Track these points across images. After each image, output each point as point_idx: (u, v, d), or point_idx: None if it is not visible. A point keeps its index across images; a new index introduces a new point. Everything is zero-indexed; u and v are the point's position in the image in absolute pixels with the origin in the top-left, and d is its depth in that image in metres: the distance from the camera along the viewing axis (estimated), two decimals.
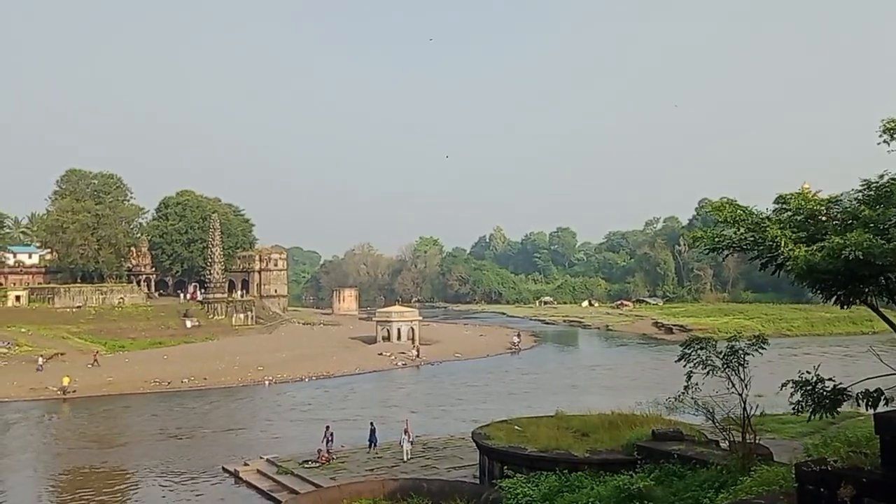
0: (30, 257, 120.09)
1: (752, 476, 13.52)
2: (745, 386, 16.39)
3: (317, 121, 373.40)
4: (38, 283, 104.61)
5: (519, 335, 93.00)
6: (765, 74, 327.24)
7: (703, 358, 16.86)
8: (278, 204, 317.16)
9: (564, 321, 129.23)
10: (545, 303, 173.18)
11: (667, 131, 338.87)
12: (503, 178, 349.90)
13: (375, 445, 33.14)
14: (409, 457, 30.11)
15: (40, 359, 64.68)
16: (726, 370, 16.57)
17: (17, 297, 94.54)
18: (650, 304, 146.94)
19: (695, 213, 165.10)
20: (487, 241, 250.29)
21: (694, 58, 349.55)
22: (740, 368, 16.48)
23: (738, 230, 13.25)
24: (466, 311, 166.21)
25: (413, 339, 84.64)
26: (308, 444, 35.18)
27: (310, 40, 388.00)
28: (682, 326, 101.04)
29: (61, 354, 70.40)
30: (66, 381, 54.21)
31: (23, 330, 79.22)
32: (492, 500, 18.77)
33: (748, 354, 16.69)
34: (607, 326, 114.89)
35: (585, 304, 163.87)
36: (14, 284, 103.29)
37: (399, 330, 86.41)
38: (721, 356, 16.79)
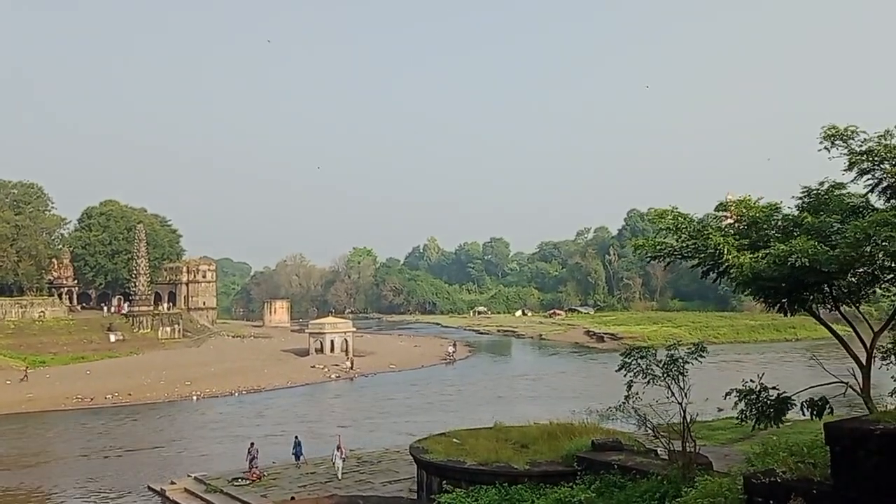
0: None
1: (695, 487, 13.37)
2: (685, 394, 16.37)
3: (246, 129, 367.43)
4: None
5: (454, 345, 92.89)
6: (695, 84, 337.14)
7: (644, 367, 16.79)
8: (207, 215, 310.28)
9: (498, 331, 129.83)
10: (479, 313, 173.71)
11: (596, 142, 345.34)
12: (437, 188, 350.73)
13: (301, 459, 32.38)
14: (342, 474, 28.99)
15: None
16: (666, 379, 16.52)
17: None
18: (582, 313, 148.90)
19: (624, 223, 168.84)
20: (421, 251, 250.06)
21: (626, 67, 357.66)
22: (680, 377, 16.45)
23: (680, 237, 13.16)
24: (401, 321, 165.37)
25: (346, 351, 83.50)
26: (238, 461, 33.98)
27: (241, 49, 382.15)
28: (612, 335, 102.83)
29: None
30: None
31: None
32: None
33: (687, 363, 16.69)
34: (540, 336, 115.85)
35: (519, 313, 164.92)
36: None
37: (332, 342, 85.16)
38: (661, 365, 16.74)
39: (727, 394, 12.42)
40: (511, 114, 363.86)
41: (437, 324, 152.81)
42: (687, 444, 16.71)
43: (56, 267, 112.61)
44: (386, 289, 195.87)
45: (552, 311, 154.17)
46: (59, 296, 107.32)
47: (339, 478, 28.63)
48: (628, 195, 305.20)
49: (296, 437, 33.67)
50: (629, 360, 17.04)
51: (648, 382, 16.60)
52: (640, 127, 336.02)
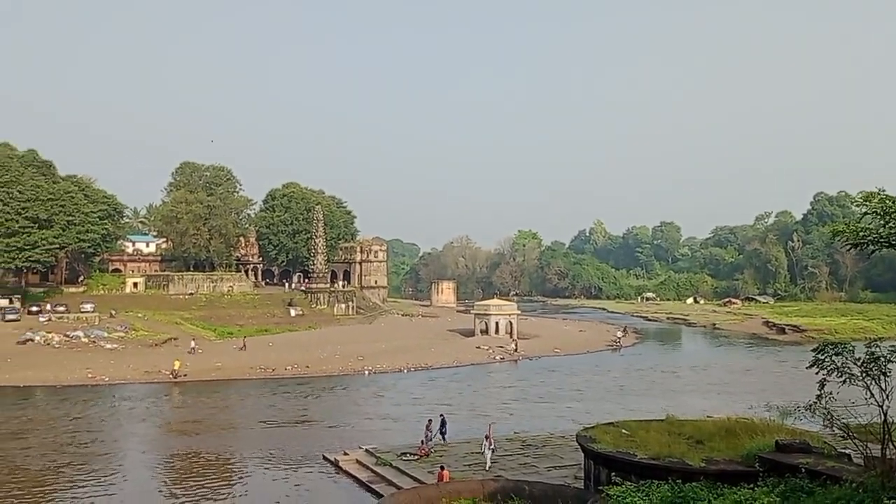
0: (147, 246, 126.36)
1: None
2: (887, 396, 14.79)
3: (420, 116, 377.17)
4: (154, 271, 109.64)
5: (624, 330, 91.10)
6: (882, 60, 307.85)
7: (839, 364, 15.31)
8: (379, 196, 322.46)
9: (667, 318, 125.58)
10: (647, 299, 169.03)
11: (778, 122, 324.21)
12: (604, 171, 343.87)
13: (445, 438, 32.69)
14: (489, 465, 27.86)
15: (193, 342, 68.64)
16: (865, 378, 14.98)
17: (135, 284, 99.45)
18: (760, 302, 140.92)
19: (810, 208, 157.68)
20: (587, 234, 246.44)
21: (802, 43, 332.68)
22: (882, 377, 14.86)
23: (888, 223, 11.76)
24: (565, 305, 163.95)
25: (511, 333, 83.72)
26: (406, 435, 34.98)
27: (421, 43, 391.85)
28: (795, 327, 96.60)
29: (174, 339, 73.16)
30: (177, 365, 56.20)
31: (139, 315, 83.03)
32: None
33: (891, 361, 15.05)
34: (714, 325, 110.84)
35: (690, 301, 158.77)
36: (133, 271, 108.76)
37: (497, 323, 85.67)
38: (860, 363, 15.20)
39: None
40: (682, 97, 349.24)
41: (603, 309, 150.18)
42: (887, 449, 15.13)
43: (243, 245, 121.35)
44: (551, 272, 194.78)
45: (727, 300, 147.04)
46: (246, 272, 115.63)
47: (487, 468, 27.60)
48: (813, 178, 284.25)
49: (441, 416, 33.95)
50: (822, 357, 15.61)
51: (844, 382, 15.13)
52: (825, 103, 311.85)
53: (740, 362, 70.36)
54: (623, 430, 21.74)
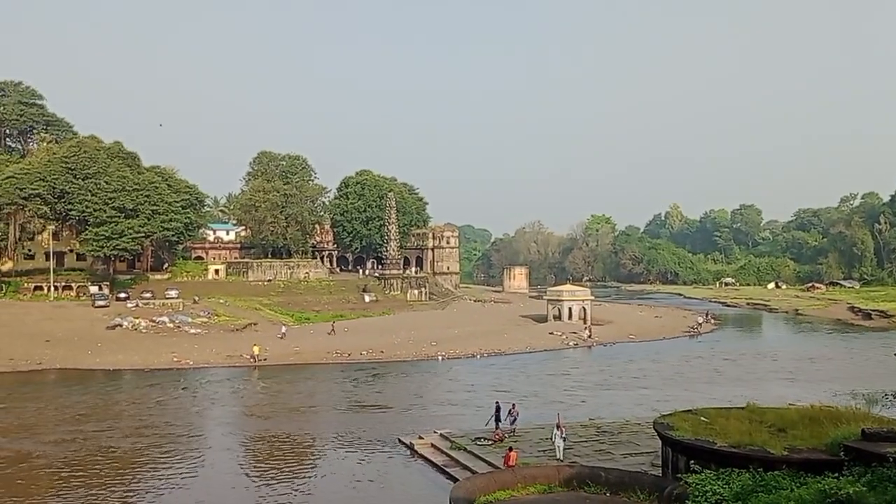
0: (227, 234, 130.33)
1: None
2: None
3: (491, 102, 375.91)
4: (235, 258, 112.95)
5: (707, 315, 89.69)
6: None
7: None
8: (451, 183, 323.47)
9: (747, 304, 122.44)
10: (726, 284, 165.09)
11: (862, 101, 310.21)
12: (680, 152, 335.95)
13: (499, 424, 32.17)
14: (561, 454, 27.36)
15: (283, 327, 71.07)
16: None
17: (216, 271, 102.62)
18: (845, 287, 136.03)
19: None
20: (663, 219, 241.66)
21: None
22: None
23: None
24: (640, 291, 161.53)
25: (584, 319, 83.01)
26: (478, 420, 35.21)
27: (493, 32, 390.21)
28: (882, 312, 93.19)
29: (254, 324, 75.24)
30: (256, 349, 57.83)
31: (221, 301, 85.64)
32: (675, 495, 17.52)
33: None
34: (796, 311, 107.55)
35: (771, 286, 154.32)
36: (214, 259, 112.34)
37: (570, 309, 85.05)
38: None
39: None
40: (763, 75, 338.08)
41: (680, 294, 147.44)
42: None
43: (319, 232, 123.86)
44: (625, 257, 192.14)
45: (810, 285, 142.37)
46: (321, 259, 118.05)
47: (560, 458, 27.00)
48: None
49: (497, 403, 33.71)
50: None
51: None
52: None
53: (823, 349, 68.12)
54: (702, 418, 21.37)
